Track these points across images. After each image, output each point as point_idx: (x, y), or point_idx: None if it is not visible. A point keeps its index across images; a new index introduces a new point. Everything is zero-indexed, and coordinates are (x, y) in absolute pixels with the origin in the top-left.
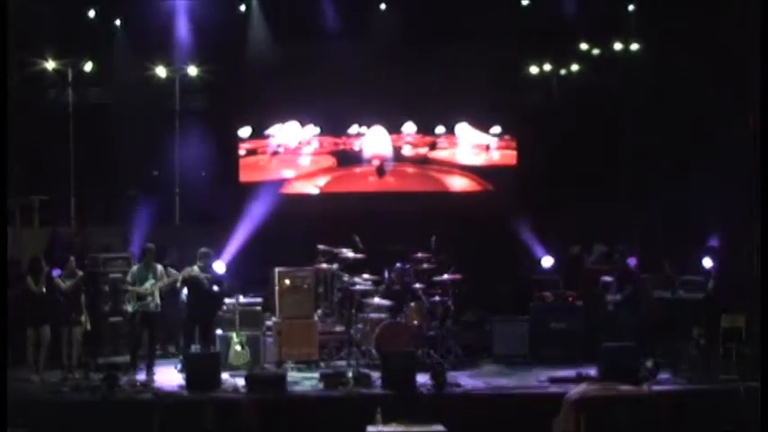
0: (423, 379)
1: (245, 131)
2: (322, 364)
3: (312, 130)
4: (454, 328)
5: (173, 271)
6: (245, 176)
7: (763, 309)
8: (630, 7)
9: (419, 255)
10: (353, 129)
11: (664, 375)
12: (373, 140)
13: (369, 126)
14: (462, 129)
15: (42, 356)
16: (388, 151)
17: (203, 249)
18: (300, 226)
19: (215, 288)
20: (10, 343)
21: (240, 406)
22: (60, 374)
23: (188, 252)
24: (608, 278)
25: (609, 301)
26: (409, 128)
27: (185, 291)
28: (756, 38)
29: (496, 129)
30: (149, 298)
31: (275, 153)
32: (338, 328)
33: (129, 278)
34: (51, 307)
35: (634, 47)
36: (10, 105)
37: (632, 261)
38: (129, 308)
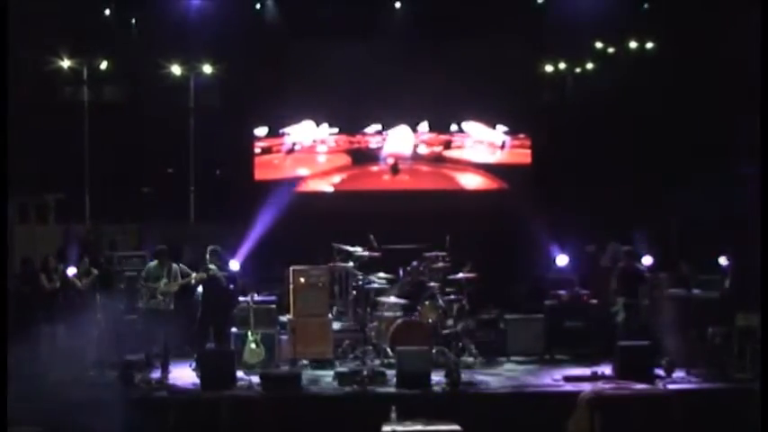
0: (437, 377)
1: (261, 131)
2: (337, 363)
3: (327, 128)
4: (469, 327)
5: (187, 270)
6: (260, 174)
7: (762, 309)
8: (646, 5)
9: (434, 253)
10: (371, 128)
11: (679, 374)
12: (396, 139)
13: (384, 125)
14: (476, 127)
15: (57, 355)
16: (406, 150)
17: (213, 247)
18: (315, 224)
19: (230, 286)
20: (25, 340)
21: (255, 404)
22: (76, 372)
23: (203, 250)
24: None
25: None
26: (424, 127)
27: (200, 289)
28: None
29: (505, 127)
30: (160, 296)
31: (290, 151)
32: (353, 327)
33: (143, 274)
34: (66, 306)
35: (649, 45)
36: (11, 105)
37: (648, 260)
38: (141, 304)
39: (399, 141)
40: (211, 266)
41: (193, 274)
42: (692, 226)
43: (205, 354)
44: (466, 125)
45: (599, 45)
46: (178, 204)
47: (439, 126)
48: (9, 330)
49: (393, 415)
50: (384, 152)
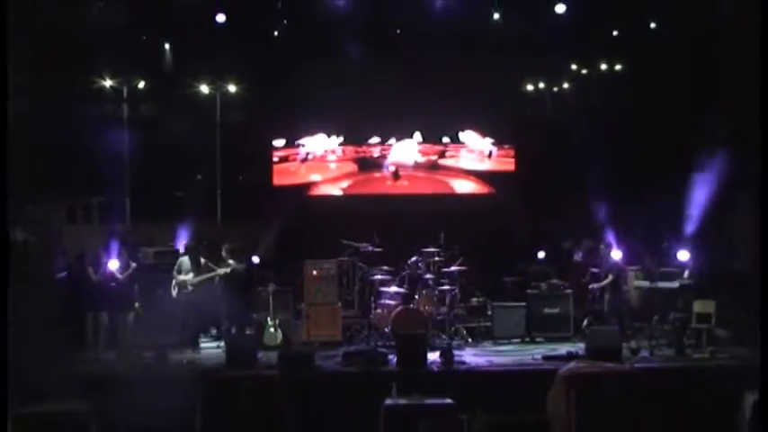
0: (433, 357)
1: (279, 142)
2: (345, 345)
3: (336, 140)
4: (460, 313)
5: (213, 265)
6: (278, 180)
7: (762, 308)
8: (615, 33)
9: (430, 249)
10: (374, 139)
11: (643, 354)
12: (399, 150)
13: (386, 137)
14: (468, 138)
15: (101, 338)
16: (409, 160)
17: (228, 245)
18: (326, 223)
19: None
20: (72, 327)
21: (273, 381)
22: (117, 353)
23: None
24: (595, 270)
25: (593, 288)
26: (420, 138)
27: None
28: (756, 40)
29: (493, 139)
30: (190, 287)
31: (304, 160)
32: (359, 313)
33: (175, 268)
34: (109, 295)
35: (618, 67)
36: (67, 120)
37: (617, 254)
38: (174, 294)
39: (403, 152)
40: (230, 261)
41: (217, 269)
42: (656, 225)
43: (230, 336)
44: (463, 135)
45: (574, 67)
46: (206, 206)
47: (434, 138)
48: (60, 315)
49: (394, 391)
50: (388, 161)
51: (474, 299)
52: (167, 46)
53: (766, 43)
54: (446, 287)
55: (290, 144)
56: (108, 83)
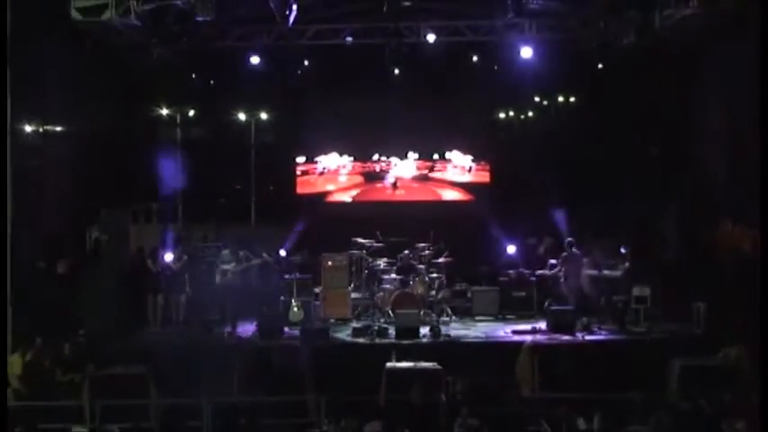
0: (424, 331)
1: (300, 159)
2: (354, 321)
3: (347, 158)
4: (446, 296)
5: (248, 256)
6: (300, 189)
7: (762, 308)
8: (570, 71)
9: (422, 244)
10: (377, 157)
11: (593, 329)
12: (400, 166)
13: (387, 155)
14: (453, 156)
15: (158, 316)
16: (406, 174)
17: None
18: (339, 224)
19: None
20: (135, 306)
21: (296, 350)
22: (171, 328)
23: (262, 241)
24: (553, 261)
25: (540, 275)
26: (415, 156)
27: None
28: (755, 42)
29: (472, 156)
30: (230, 275)
31: (321, 173)
32: (365, 296)
33: (219, 259)
34: (165, 281)
35: (572, 99)
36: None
37: (571, 248)
38: (218, 280)
39: (404, 168)
40: (262, 254)
41: (254, 260)
42: (603, 224)
43: (262, 314)
44: (449, 153)
45: (537, 99)
46: (243, 210)
47: (426, 155)
48: (126, 297)
49: (393, 357)
50: (390, 174)
51: (457, 284)
52: (212, 82)
53: (766, 43)
54: (434, 275)
55: (310, 161)
56: (164, 111)
